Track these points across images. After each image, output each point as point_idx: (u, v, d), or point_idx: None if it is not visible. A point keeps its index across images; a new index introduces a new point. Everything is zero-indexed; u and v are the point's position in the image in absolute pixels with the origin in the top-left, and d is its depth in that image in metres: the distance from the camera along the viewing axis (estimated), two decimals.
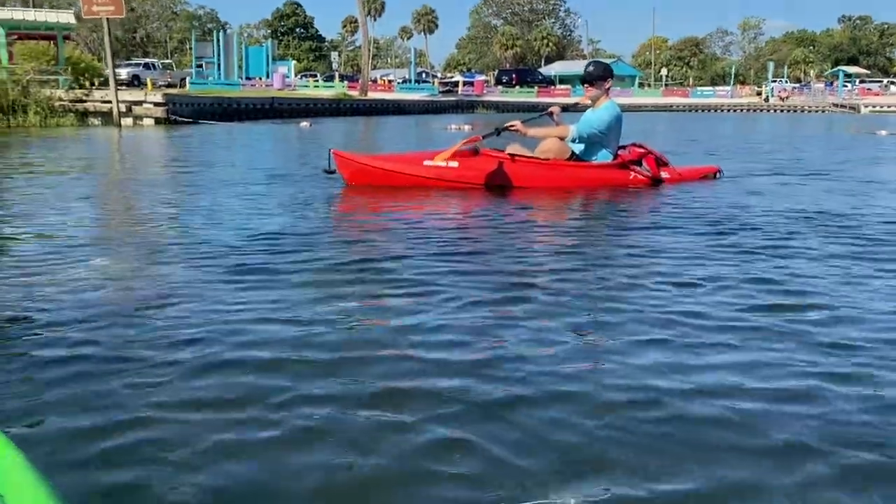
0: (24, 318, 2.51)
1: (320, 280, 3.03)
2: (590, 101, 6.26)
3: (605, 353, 2.18)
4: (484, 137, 6.22)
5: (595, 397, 1.86)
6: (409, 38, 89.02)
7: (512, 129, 6.22)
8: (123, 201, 5.99)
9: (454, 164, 6.02)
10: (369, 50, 46.22)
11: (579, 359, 2.13)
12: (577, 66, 68.38)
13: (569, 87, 54.03)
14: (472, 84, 49.14)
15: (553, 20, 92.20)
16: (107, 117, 18.58)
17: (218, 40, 39.70)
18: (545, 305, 2.68)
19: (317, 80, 46.94)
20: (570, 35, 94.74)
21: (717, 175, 6.88)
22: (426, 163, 6.07)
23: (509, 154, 6.11)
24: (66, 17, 24.20)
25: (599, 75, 6.23)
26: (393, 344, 2.25)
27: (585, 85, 6.29)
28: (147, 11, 68.80)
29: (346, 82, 43.52)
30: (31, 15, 23.14)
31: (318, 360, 2.10)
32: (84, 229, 4.39)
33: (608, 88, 6.26)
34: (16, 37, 22.84)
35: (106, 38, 18.27)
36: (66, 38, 25.14)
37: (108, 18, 17.97)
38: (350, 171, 6.14)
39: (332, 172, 6.13)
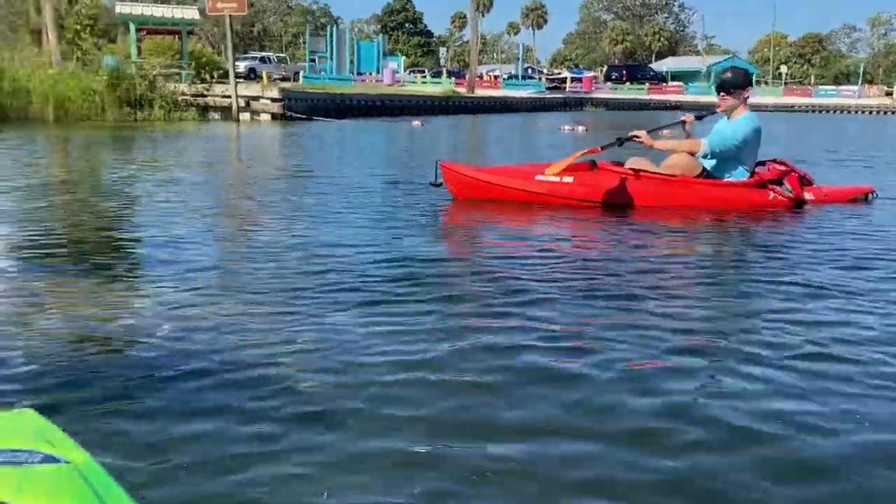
0: (132, 348, 2.44)
1: (429, 312, 2.87)
2: (724, 111, 5.84)
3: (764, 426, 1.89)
4: (603, 149, 5.86)
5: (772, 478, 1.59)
6: (516, 34, 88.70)
7: (636, 140, 5.83)
8: (236, 209, 6.03)
9: (569, 179, 5.70)
10: (478, 46, 46.13)
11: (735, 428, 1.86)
12: (689, 63, 66.23)
13: (681, 83, 52.30)
14: (580, 80, 48.26)
15: (666, 15, 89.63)
16: (226, 112, 19.20)
17: (331, 35, 40.47)
18: (681, 356, 2.41)
19: (424, 76, 47.21)
20: (683, 30, 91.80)
21: (871, 197, 6.21)
22: (538, 177, 5.78)
23: (631, 169, 5.75)
24: (191, 13, 25.20)
25: (738, 83, 5.76)
26: (518, 402, 2.04)
27: (721, 94, 5.83)
28: (264, 6, 71.23)
29: (453, 78, 43.55)
30: (159, 11, 24.19)
31: (446, 421, 1.92)
32: (193, 245, 4.35)
33: (747, 98, 5.79)
34: (144, 32, 23.99)
35: (228, 35, 18.86)
36: (190, 33, 26.20)
37: (230, 15, 18.56)
38: (457, 185, 5.90)
39: (439, 185, 5.92)
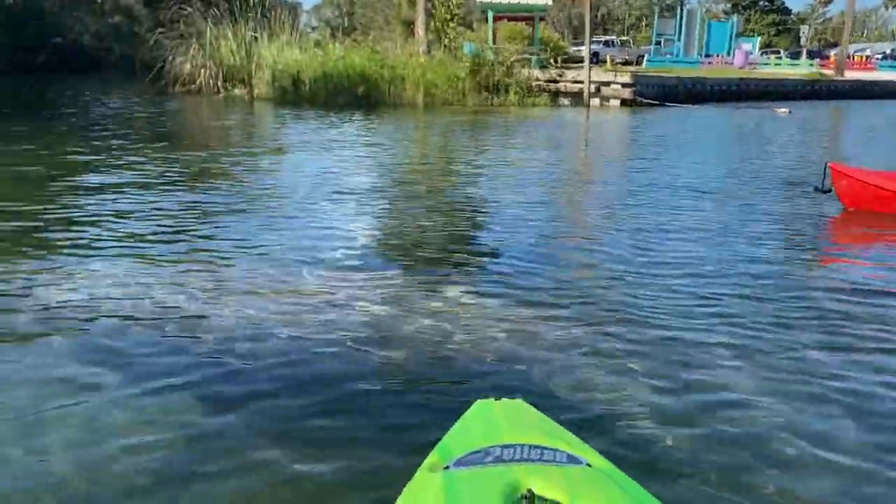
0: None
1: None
2: None
3: None
4: None
5: None
6: (894, 7, 77.19)
7: None
8: (586, 213, 5.78)
9: None
10: (851, 23, 40.83)
11: None
12: None
13: None
14: None
15: None
16: (576, 98, 19.10)
17: (681, 16, 38.78)
18: None
19: (779, 57, 43.00)
20: None
21: None
22: None
23: None
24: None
25: None
26: None
27: None
28: None
29: (816, 60, 39.02)
30: None
31: None
32: (534, 246, 4.32)
33: None
34: (504, 19, 24.94)
35: (587, 21, 18.82)
36: (542, 19, 26.68)
37: (591, 1, 18.38)
38: (850, 193, 4.94)
39: (827, 191, 5.07)
